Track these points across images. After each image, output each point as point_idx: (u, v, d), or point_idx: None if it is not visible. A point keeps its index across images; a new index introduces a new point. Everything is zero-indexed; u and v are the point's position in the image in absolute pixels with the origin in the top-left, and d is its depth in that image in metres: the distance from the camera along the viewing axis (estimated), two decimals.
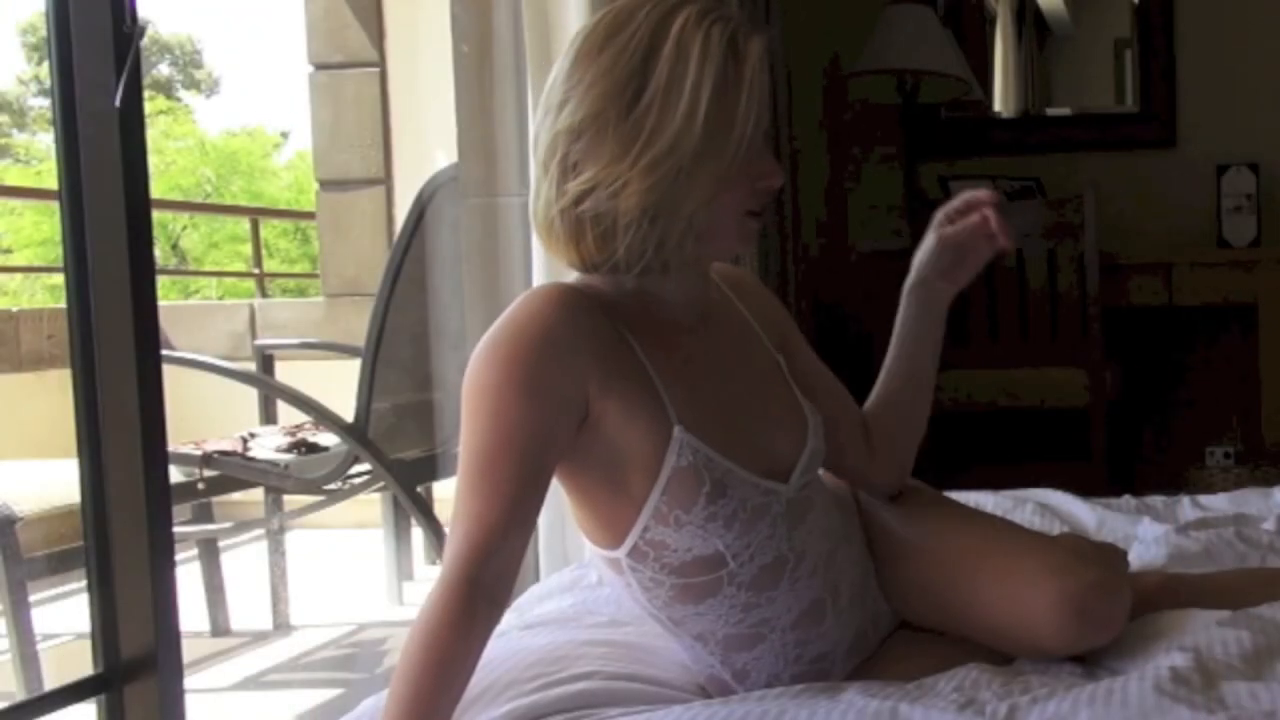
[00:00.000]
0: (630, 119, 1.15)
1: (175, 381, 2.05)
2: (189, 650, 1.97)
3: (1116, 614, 1.28)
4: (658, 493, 1.18)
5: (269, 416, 3.43)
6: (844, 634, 1.31)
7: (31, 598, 2.52)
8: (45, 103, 15.84)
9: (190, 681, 2.04)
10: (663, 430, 1.18)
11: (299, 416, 3.07)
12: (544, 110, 1.20)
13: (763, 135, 1.22)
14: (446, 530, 2.87)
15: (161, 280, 4.63)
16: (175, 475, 2.75)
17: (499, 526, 1.13)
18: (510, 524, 1.13)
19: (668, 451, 1.18)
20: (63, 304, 1.94)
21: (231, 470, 2.86)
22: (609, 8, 1.21)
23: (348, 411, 2.78)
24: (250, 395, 3.47)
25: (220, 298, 10.39)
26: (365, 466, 2.91)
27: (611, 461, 1.19)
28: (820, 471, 1.36)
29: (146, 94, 1.94)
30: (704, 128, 1.14)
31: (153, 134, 14.11)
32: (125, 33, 1.79)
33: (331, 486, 2.99)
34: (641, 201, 1.15)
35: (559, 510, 2.05)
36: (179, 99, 17.59)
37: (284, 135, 16.57)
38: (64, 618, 3.05)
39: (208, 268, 13.58)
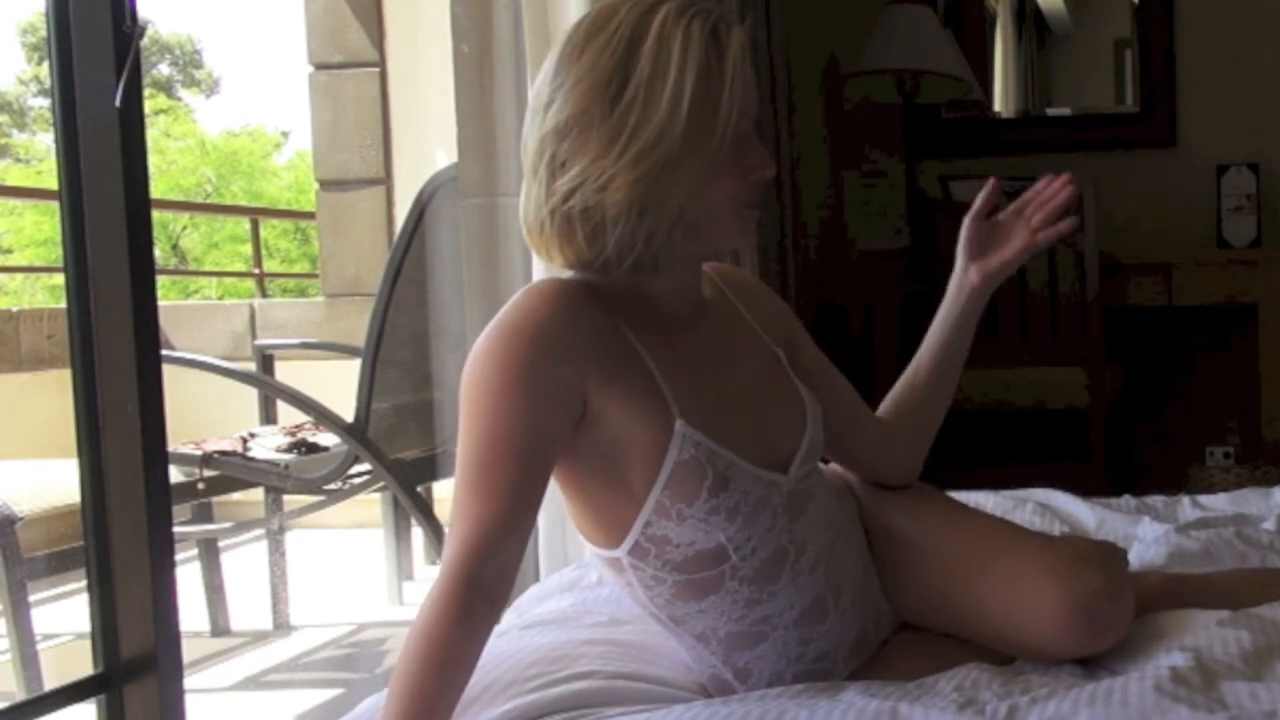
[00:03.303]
0: (615, 114, 1.15)
1: (175, 381, 2.05)
2: (189, 650, 1.97)
3: (1121, 618, 1.28)
4: (659, 487, 1.18)
5: (269, 416, 3.43)
6: (846, 633, 1.31)
7: (31, 598, 2.52)
8: (45, 103, 15.84)
9: (190, 681, 2.04)
10: (664, 424, 1.18)
11: (299, 416, 3.07)
12: (530, 113, 1.21)
13: (752, 126, 1.22)
14: (447, 530, 2.88)
15: (161, 280, 4.63)
16: (175, 475, 2.75)
17: (498, 525, 1.12)
18: (509, 522, 1.13)
19: (669, 445, 1.17)
20: (63, 304, 1.94)
21: (231, 470, 2.86)
22: (591, 9, 1.22)
23: (348, 411, 2.78)
24: (250, 395, 3.47)
25: (220, 298, 10.40)
26: (365, 466, 2.90)
27: (611, 457, 1.19)
28: (821, 465, 1.36)
29: (146, 94, 1.94)
30: (688, 119, 1.15)
31: (153, 134, 14.12)
32: (125, 33, 1.79)
33: (331, 486, 2.99)
34: (629, 195, 1.15)
35: (559, 510, 2.05)
36: (179, 99, 17.59)
37: (284, 135, 16.58)
38: (64, 618, 3.05)
39: (208, 268, 13.60)
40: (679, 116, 1.14)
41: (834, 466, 1.45)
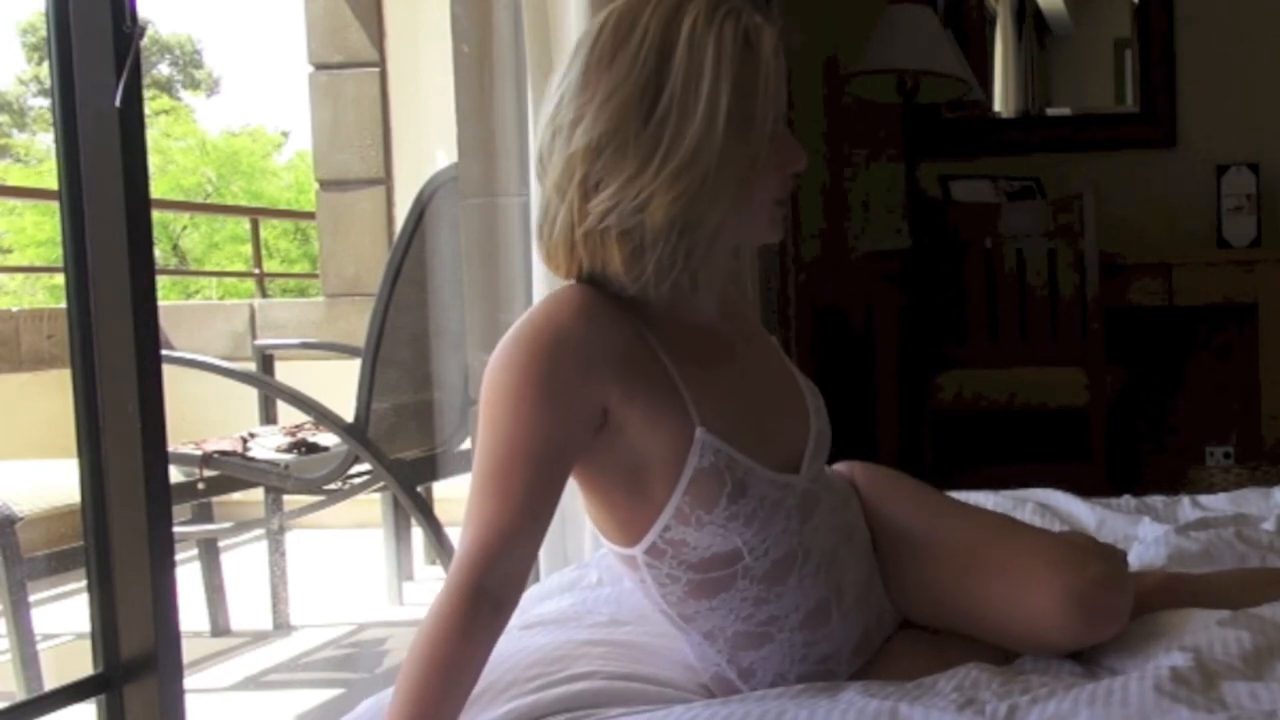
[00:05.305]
0: (649, 129, 1.11)
1: (175, 381, 2.05)
2: (189, 650, 1.97)
3: (1120, 608, 1.28)
4: (679, 494, 1.17)
5: (269, 416, 3.43)
6: (849, 634, 1.31)
7: (31, 598, 2.51)
8: (45, 103, 15.84)
9: (190, 681, 2.04)
10: (685, 432, 1.17)
11: (299, 416, 3.07)
12: (552, 131, 1.16)
13: (784, 121, 1.20)
14: (447, 530, 2.88)
15: (161, 280, 4.63)
16: (175, 475, 2.75)
17: (508, 531, 1.12)
18: (520, 529, 1.12)
19: (690, 453, 1.17)
20: (63, 304, 1.94)
21: (231, 470, 2.86)
22: (610, 12, 1.17)
23: (348, 411, 2.78)
24: (250, 395, 3.47)
25: (220, 298, 10.39)
26: (365, 466, 2.90)
27: (631, 464, 1.18)
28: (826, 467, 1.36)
29: (147, 94, 1.94)
30: (725, 130, 1.12)
31: (153, 134, 14.13)
32: (125, 33, 1.79)
33: (331, 486, 2.99)
34: (669, 213, 1.12)
35: (559, 510, 2.05)
36: (179, 99, 17.60)
37: (284, 135, 16.59)
38: (64, 618, 3.05)
39: (208, 268, 13.60)
40: (715, 129, 1.11)
41: (839, 467, 1.45)
